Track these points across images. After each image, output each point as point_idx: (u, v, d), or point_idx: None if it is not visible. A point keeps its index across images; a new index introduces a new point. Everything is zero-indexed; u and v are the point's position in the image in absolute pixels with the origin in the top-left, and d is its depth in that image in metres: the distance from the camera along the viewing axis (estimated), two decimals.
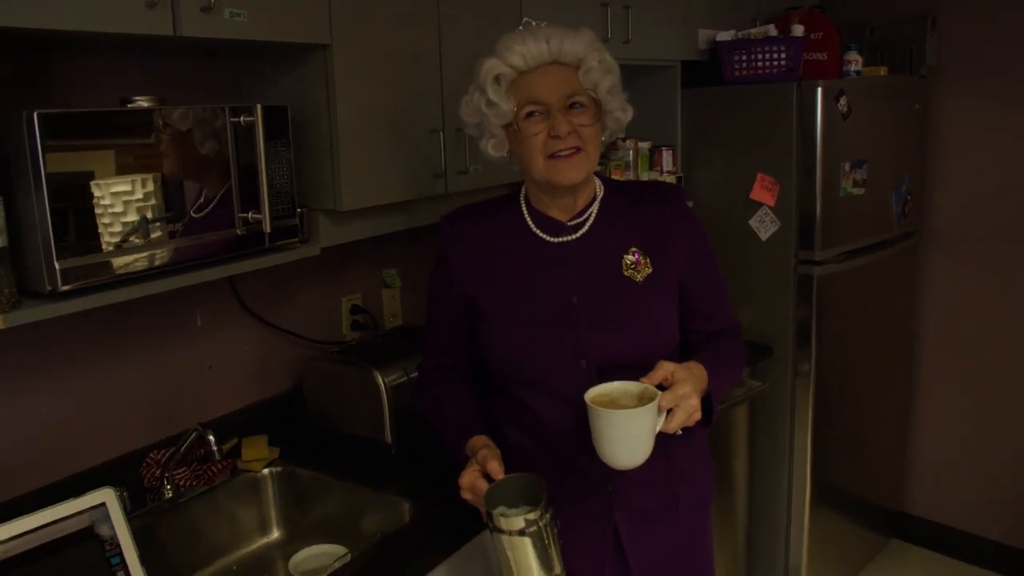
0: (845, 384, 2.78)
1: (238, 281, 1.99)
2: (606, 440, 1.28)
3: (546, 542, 1.31)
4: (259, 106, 1.53)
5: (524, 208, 1.54)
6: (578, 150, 1.42)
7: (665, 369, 1.33)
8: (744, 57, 2.65)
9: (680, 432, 1.35)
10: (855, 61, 2.82)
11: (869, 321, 2.83)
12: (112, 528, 1.29)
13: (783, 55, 2.60)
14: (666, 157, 2.77)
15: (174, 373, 1.89)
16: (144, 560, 1.60)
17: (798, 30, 2.61)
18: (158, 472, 1.74)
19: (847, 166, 2.58)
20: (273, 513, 1.90)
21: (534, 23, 1.48)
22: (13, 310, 1.27)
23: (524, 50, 1.41)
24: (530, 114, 1.41)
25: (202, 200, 1.50)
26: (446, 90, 1.99)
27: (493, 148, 1.49)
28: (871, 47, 3.09)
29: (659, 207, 1.54)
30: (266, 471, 1.89)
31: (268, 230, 1.58)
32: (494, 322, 1.50)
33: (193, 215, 1.49)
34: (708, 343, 1.56)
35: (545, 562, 1.31)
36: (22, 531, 1.21)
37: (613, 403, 1.32)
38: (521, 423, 1.53)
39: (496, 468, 1.37)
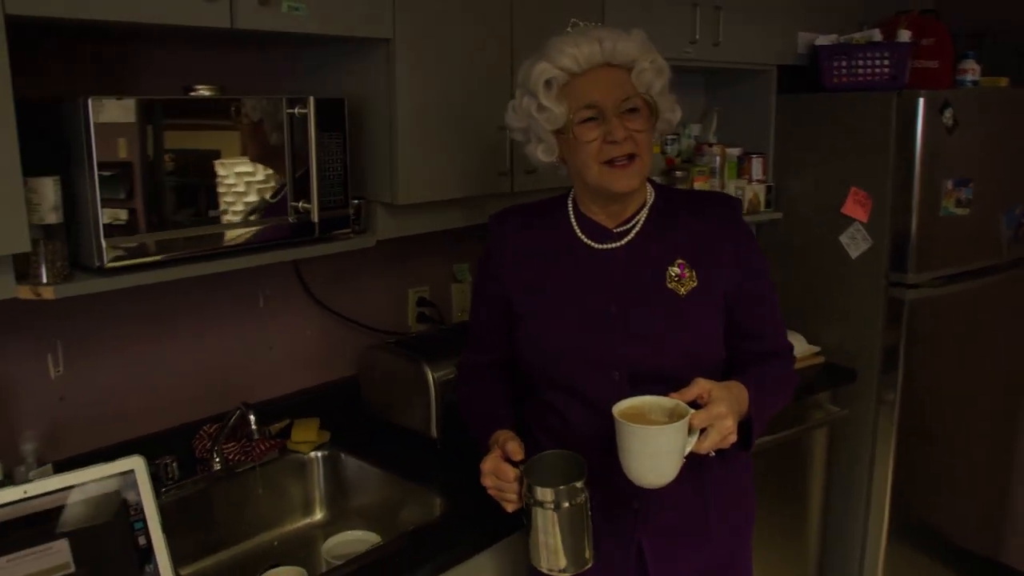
0: (934, 417, 2.59)
1: (303, 267, 2.06)
2: (631, 455, 1.25)
3: (578, 522, 1.29)
4: (311, 98, 1.57)
5: (571, 212, 1.52)
6: (633, 157, 1.38)
7: (701, 387, 1.28)
8: (844, 63, 2.52)
9: (713, 454, 1.30)
10: (972, 70, 2.63)
11: (968, 352, 2.63)
12: (138, 495, 1.35)
13: (886, 62, 2.45)
14: (756, 165, 2.67)
15: (234, 351, 1.97)
16: (189, 527, 1.70)
17: (904, 35, 2.46)
18: (209, 445, 1.82)
19: (950, 184, 2.40)
20: (318, 495, 1.95)
21: (583, 24, 1.45)
22: (64, 282, 1.35)
23: (576, 52, 1.38)
24: (586, 119, 1.39)
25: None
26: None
27: (543, 153, 1.47)
28: (992, 56, 2.86)
29: (711, 218, 1.48)
30: (314, 454, 1.94)
31: (316, 219, 1.62)
32: (529, 324, 1.49)
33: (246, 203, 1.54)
34: (755, 364, 1.48)
35: (576, 542, 1.29)
36: (56, 488, 1.29)
37: (643, 417, 1.28)
38: (549, 427, 1.51)
39: (514, 448, 1.36)
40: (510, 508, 1.36)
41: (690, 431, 1.25)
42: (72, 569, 1.27)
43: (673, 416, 1.26)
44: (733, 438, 1.27)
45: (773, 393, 1.46)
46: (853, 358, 2.54)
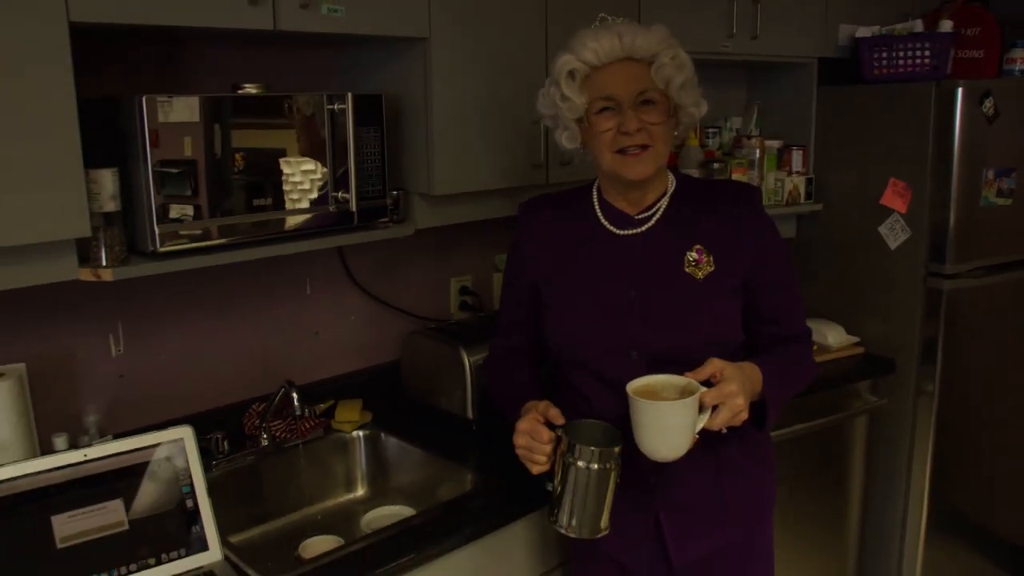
0: (975, 408, 2.57)
1: (348, 256, 2.16)
2: (643, 430, 1.31)
3: (605, 487, 1.36)
4: (350, 94, 1.67)
5: (596, 199, 1.58)
6: (646, 147, 1.44)
7: (714, 366, 1.33)
8: (885, 54, 2.51)
9: (725, 431, 1.35)
10: (1021, 59, 2.59)
11: (1010, 344, 2.60)
12: (187, 462, 1.47)
13: (927, 52, 2.44)
14: (796, 157, 2.68)
15: (283, 336, 2.09)
16: (237, 498, 1.81)
17: (946, 26, 2.44)
18: (257, 422, 1.94)
19: (991, 174, 2.38)
20: (359, 472, 2.06)
21: (610, 19, 1.51)
22: (121, 265, 1.48)
23: (597, 46, 1.44)
24: (602, 109, 1.45)
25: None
26: None
27: (567, 140, 1.54)
28: None
29: (730, 206, 1.53)
30: (356, 433, 2.05)
31: (354, 209, 1.72)
32: (555, 308, 1.56)
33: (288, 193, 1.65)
34: (773, 347, 1.53)
35: (597, 507, 1.36)
36: (113, 452, 1.41)
37: (656, 395, 1.34)
38: (574, 407, 1.57)
39: (556, 414, 1.42)
40: (535, 470, 1.42)
41: (702, 408, 1.30)
42: (126, 527, 1.39)
43: (684, 393, 1.32)
44: (744, 415, 1.32)
45: (788, 375, 1.50)
46: (892, 348, 2.54)
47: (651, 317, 1.47)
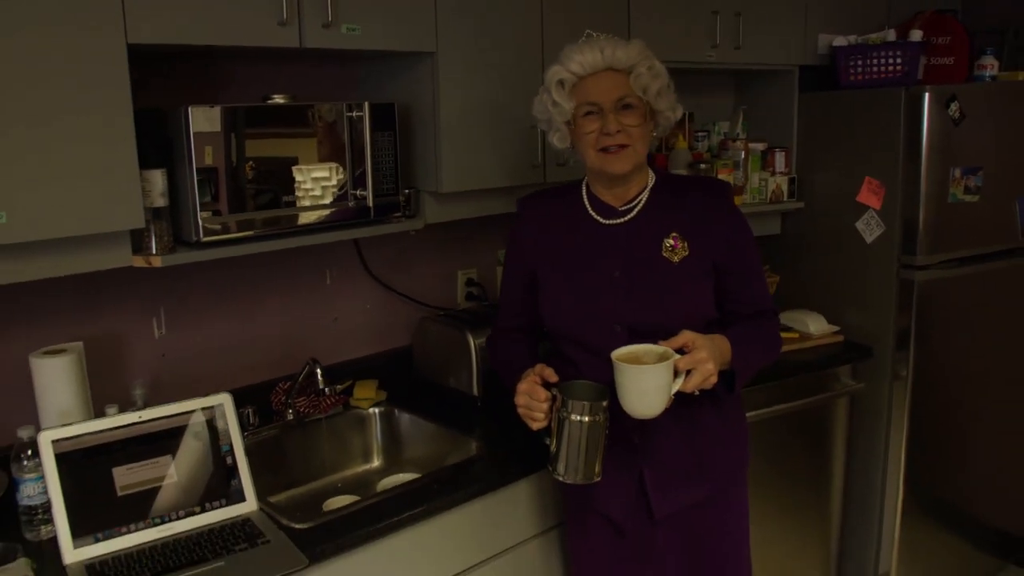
0: (950, 393, 2.75)
1: (365, 250, 2.37)
2: (624, 391, 1.52)
3: (596, 437, 1.56)
4: (367, 103, 1.89)
5: (585, 194, 1.79)
6: (625, 146, 1.65)
7: (686, 336, 1.54)
8: (860, 62, 2.71)
9: (697, 393, 1.56)
10: (990, 66, 2.78)
11: (984, 331, 2.78)
12: (227, 424, 1.68)
13: (899, 60, 2.63)
14: (779, 158, 2.88)
15: (306, 321, 2.30)
16: (265, 466, 2.02)
17: (916, 35, 2.64)
18: (284, 399, 2.15)
19: (958, 172, 2.57)
20: (375, 445, 2.26)
21: (595, 35, 1.72)
22: (170, 253, 1.69)
23: (582, 59, 1.66)
24: (587, 113, 1.66)
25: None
26: None
27: (558, 140, 1.76)
28: (1014, 51, 3.00)
29: (704, 199, 1.74)
30: (372, 410, 2.25)
31: (371, 204, 1.93)
32: (548, 287, 1.77)
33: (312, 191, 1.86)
34: (742, 322, 1.73)
35: (590, 456, 1.57)
36: (164, 415, 1.63)
37: (637, 361, 1.54)
38: (565, 374, 1.78)
39: (551, 373, 1.64)
40: (535, 426, 1.64)
41: (677, 373, 1.51)
42: (175, 479, 1.61)
43: (661, 359, 1.52)
44: (714, 379, 1.53)
45: (753, 342, 1.70)
46: (869, 336, 2.72)
47: (632, 295, 1.68)
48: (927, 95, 2.49)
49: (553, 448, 1.60)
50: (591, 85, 1.66)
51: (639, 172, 1.73)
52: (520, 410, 1.65)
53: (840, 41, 2.75)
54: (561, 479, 1.59)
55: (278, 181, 1.80)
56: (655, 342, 1.56)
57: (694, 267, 1.69)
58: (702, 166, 2.69)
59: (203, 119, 1.66)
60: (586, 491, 1.76)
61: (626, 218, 1.73)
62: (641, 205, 1.73)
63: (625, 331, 1.66)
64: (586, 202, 1.77)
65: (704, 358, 1.51)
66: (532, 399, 1.62)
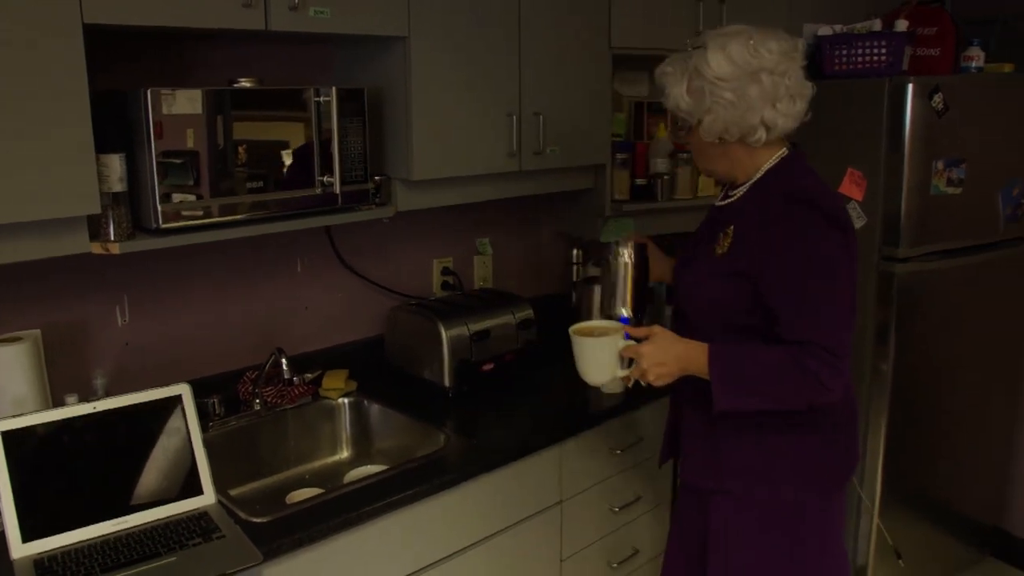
0: (929, 387, 2.73)
1: (337, 238, 2.33)
2: (575, 357, 1.66)
3: (620, 275, 1.85)
4: (334, 88, 1.84)
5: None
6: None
7: (650, 329, 1.61)
8: (845, 51, 2.67)
9: (645, 384, 1.62)
10: (976, 57, 2.75)
11: (965, 324, 2.76)
12: (185, 415, 1.64)
13: (884, 50, 2.59)
14: None
15: (275, 310, 2.26)
16: (231, 457, 1.99)
17: (901, 25, 2.60)
18: (251, 388, 2.11)
19: (940, 164, 2.54)
20: (344, 435, 2.23)
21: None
22: (128, 240, 1.65)
23: None
24: None
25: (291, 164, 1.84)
26: (524, 78, 2.22)
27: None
28: (1001, 43, 2.96)
29: (772, 205, 1.60)
30: (342, 400, 2.22)
31: (338, 191, 1.89)
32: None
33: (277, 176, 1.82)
34: (759, 345, 1.58)
35: (616, 289, 1.84)
36: (119, 405, 1.59)
37: (590, 333, 1.65)
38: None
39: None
40: None
41: (620, 359, 1.62)
42: (132, 471, 1.57)
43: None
44: (650, 379, 1.58)
45: (747, 371, 1.55)
46: None
47: (682, 277, 1.75)
48: (911, 86, 2.45)
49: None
50: None
51: (729, 170, 1.70)
52: None
53: (825, 30, 2.71)
54: (605, 316, 1.82)
55: (243, 168, 1.75)
56: (683, 324, 1.71)
57: (726, 265, 1.63)
58: (683, 155, 2.65)
59: (164, 103, 1.61)
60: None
61: (720, 203, 1.76)
62: (736, 197, 1.71)
63: (676, 304, 1.77)
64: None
65: (647, 353, 1.57)
66: None
